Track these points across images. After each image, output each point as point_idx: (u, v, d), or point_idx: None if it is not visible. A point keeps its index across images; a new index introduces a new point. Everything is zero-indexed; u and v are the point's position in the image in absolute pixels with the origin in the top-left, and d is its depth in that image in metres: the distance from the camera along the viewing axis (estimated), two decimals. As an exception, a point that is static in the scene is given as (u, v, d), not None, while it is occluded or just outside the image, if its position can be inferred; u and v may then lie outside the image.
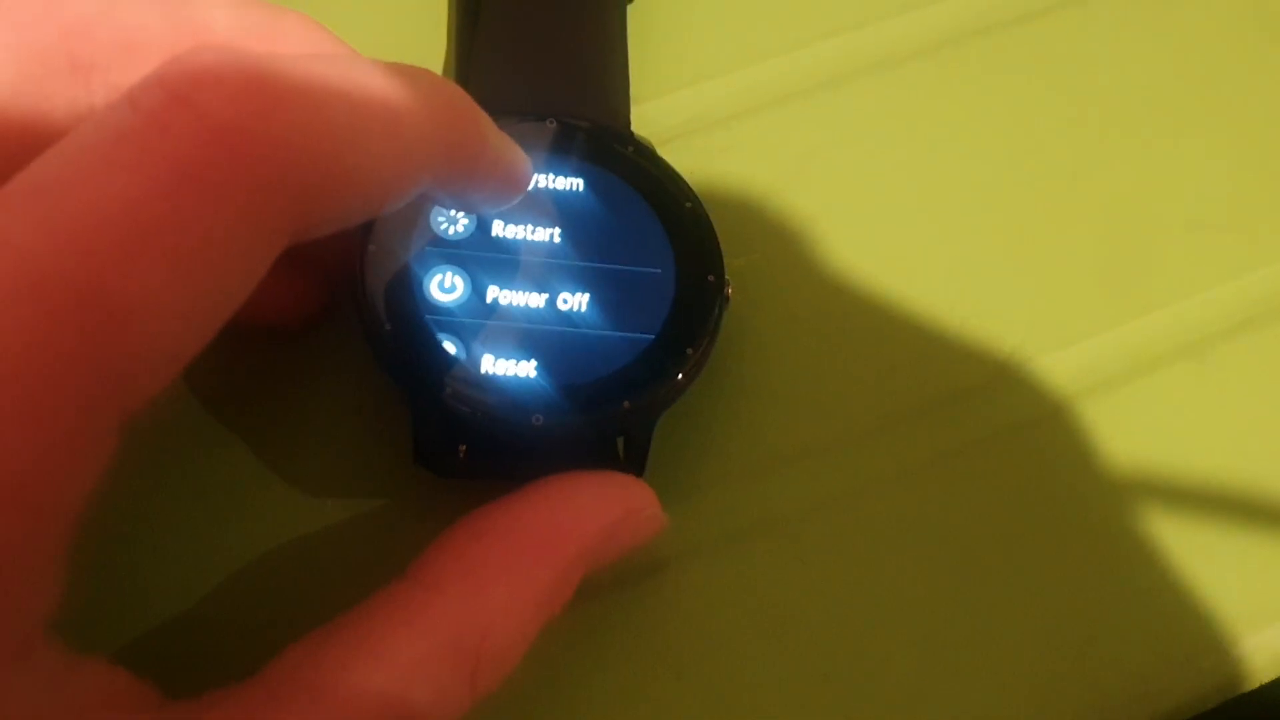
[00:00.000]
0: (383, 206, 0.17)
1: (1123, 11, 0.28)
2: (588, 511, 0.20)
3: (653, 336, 0.22)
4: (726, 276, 0.22)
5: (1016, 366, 0.25)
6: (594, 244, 0.22)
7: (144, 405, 0.15)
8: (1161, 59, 0.28)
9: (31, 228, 0.14)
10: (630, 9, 0.26)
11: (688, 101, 0.27)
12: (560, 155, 0.22)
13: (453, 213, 0.22)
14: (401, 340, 0.21)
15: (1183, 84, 0.28)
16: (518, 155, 0.20)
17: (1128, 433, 0.25)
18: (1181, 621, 0.23)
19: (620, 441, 0.22)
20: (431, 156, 0.17)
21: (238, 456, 0.23)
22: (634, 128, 0.25)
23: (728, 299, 0.22)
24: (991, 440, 0.24)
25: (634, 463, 0.22)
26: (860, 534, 0.23)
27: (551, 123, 0.23)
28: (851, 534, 0.23)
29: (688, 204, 0.23)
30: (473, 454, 0.21)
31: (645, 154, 0.23)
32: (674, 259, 0.22)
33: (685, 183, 0.23)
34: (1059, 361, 0.25)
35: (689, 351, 0.22)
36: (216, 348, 0.16)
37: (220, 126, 0.14)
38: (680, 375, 0.22)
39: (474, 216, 0.22)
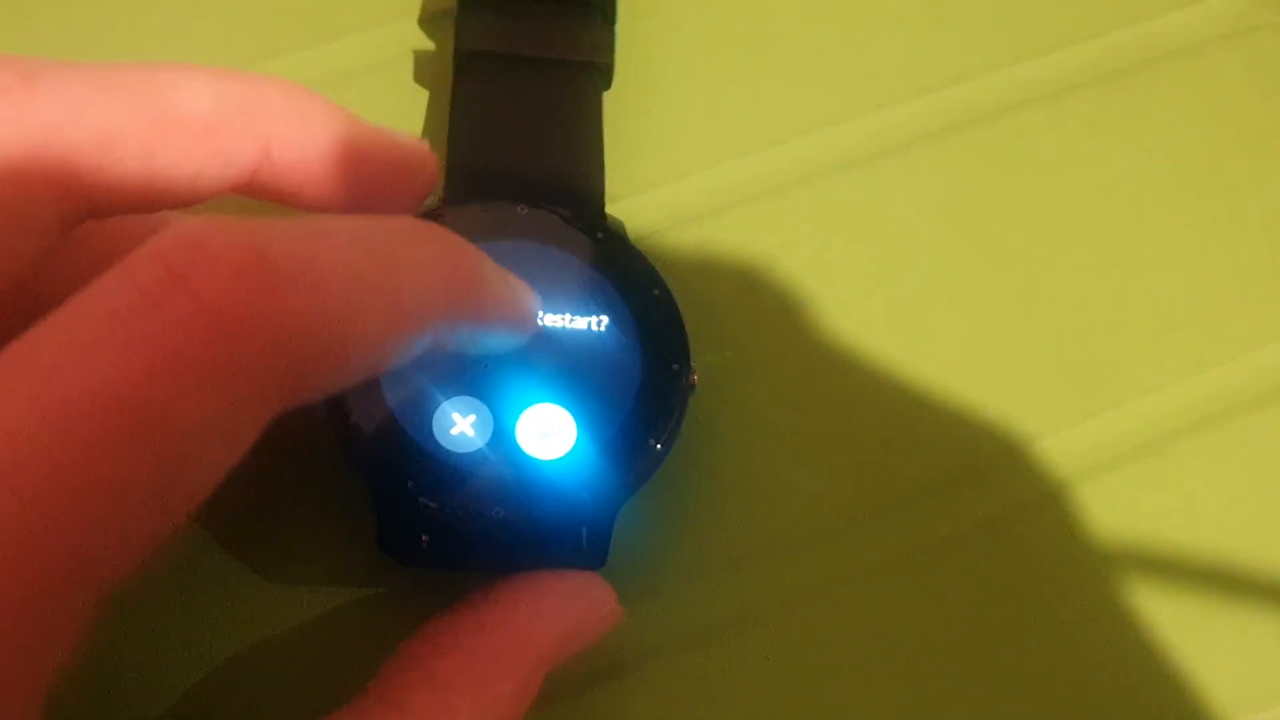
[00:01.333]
0: (382, 368, 0.17)
1: (1093, 109, 0.29)
2: (547, 616, 0.20)
3: (615, 428, 0.22)
4: (692, 364, 0.22)
5: (994, 457, 0.25)
6: (557, 332, 0.22)
7: (120, 581, 0.15)
8: (1132, 156, 0.28)
9: (19, 409, 0.14)
10: (610, 106, 0.27)
11: (665, 197, 0.27)
12: (528, 242, 0.23)
13: None
14: (365, 433, 0.21)
15: (1153, 180, 0.28)
16: (523, 297, 0.20)
17: (1109, 521, 0.25)
18: (1179, 709, 0.23)
19: (584, 531, 0.22)
20: (432, 316, 0.17)
21: (201, 548, 0.23)
22: (611, 221, 0.25)
23: (692, 386, 0.22)
24: (968, 532, 0.24)
25: (595, 552, 0.22)
26: (833, 633, 0.23)
27: (523, 209, 0.23)
28: (824, 633, 0.23)
29: (655, 291, 0.23)
30: (435, 544, 0.21)
31: (614, 240, 0.23)
32: (639, 347, 0.22)
33: (654, 270, 0.23)
34: (1039, 450, 0.25)
35: (651, 443, 0.22)
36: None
37: (216, 308, 0.14)
38: (641, 467, 0.22)
39: None
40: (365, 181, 0.21)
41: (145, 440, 0.14)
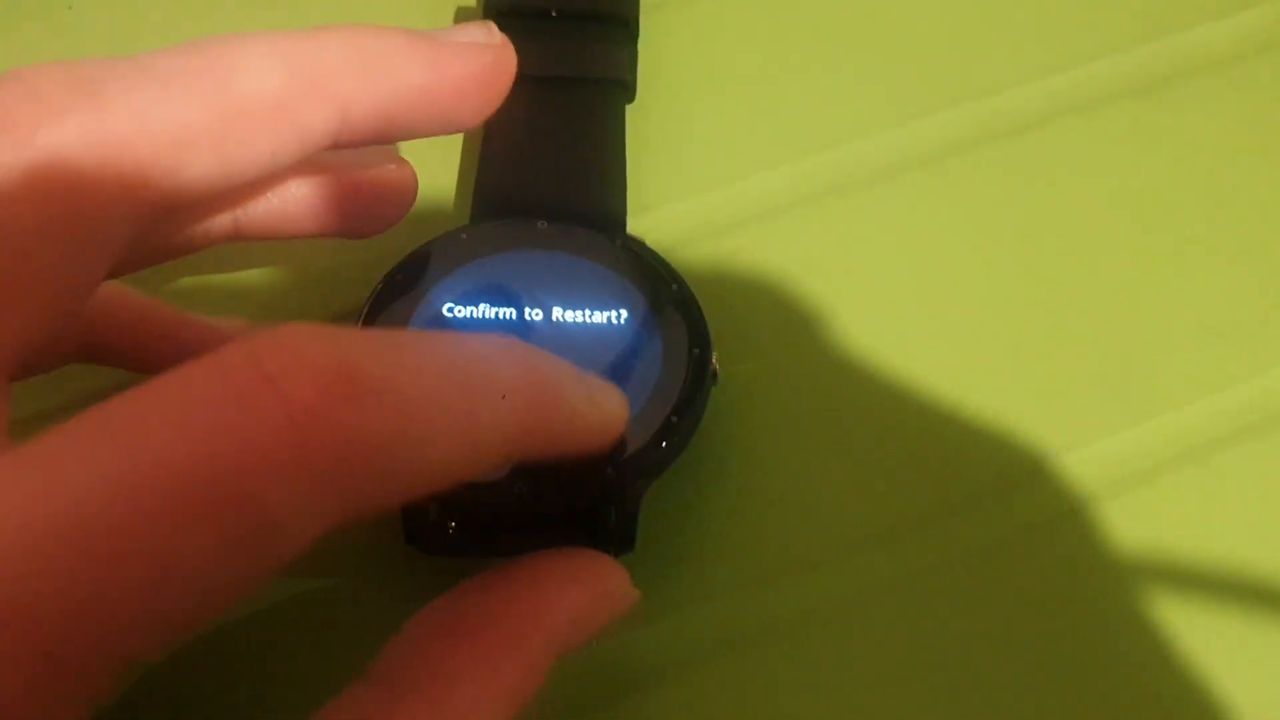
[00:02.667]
0: (451, 487, 0.17)
1: (1125, 121, 0.29)
2: (555, 598, 0.19)
3: (638, 408, 0.22)
4: (713, 354, 0.23)
5: (1023, 469, 0.25)
6: (581, 326, 0.22)
7: (147, 660, 0.15)
8: (1164, 168, 0.28)
9: (97, 478, 0.14)
10: (636, 119, 0.27)
11: (691, 210, 0.27)
12: (548, 250, 0.23)
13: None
14: None
15: (1185, 192, 0.28)
16: (610, 413, 0.20)
17: (1140, 534, 0.24)
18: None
19: (611, 513, 0.22)
20: (511, 441, 0.17)
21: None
22: (639, 233, 0.25)
23: (715, 373, 0.23)
24: (998, 545, 0.24)
25: (624, 533, 0.22)
26: (860, 646, 0.23)
27: (543, 224, 0.23)
28: (851, 646, 0.23)
29: (674, 285, 0.23)
30: (461, 530, 0.21)
31: (633, 244, 0.24)
32: (660, 337, 0.22)
33: (672, 268, 0.23)
34: (1067, 464, 0.25)
35: (673, 419, 0.22)
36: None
37: (303, 415, 0.14)
38: (664, 442, 0.22)
39: (463, 304, 0.23)
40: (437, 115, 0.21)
41: (206, 537, 0.14)
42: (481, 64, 0.21)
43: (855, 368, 0.26)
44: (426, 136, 0.21)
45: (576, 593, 0.20)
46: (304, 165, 0.21)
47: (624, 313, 0.23)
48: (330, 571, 0.23)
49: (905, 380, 0.26)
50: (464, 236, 0.23)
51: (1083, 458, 0.25)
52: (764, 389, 0.25)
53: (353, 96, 0.19)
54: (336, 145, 0.20)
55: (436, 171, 0.27)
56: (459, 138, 0.28)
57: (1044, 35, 0.30)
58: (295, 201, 0.22)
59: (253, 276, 0.26)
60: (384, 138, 0.20)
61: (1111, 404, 0.26)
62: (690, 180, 0.28)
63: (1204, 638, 0.23)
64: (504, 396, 0.17)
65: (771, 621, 0.23)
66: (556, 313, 0.23)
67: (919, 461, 0.25)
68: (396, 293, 0.23)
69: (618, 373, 0.22)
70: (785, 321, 0.26)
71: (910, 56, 0.29)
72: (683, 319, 0.23)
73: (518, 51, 0.26)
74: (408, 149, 0.27)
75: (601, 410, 0.20)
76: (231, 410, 0.14)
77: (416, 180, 0.23)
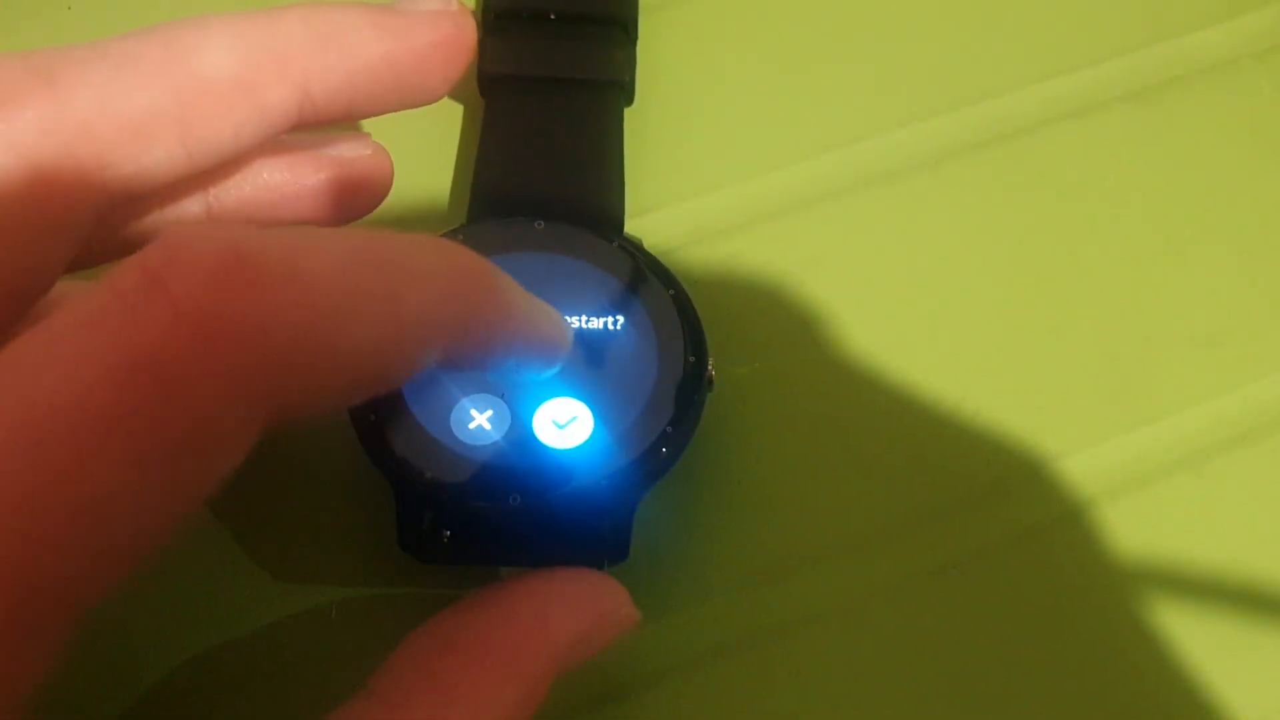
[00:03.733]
0: (385, 386, 0.17)
1: (1122, 126, 0.29)
2: (558, 619, 0.19)
3: (632, 418, 0.22)
4: (710, 360, 0.23)
5: (1020, 473, 0.25)
6: (577, 333, 0.22)
7: (102, 599, 0.14)
8: (1162, 172, 0.28)
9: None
10: (634, 121, 0.27)
11: (689, 212, 0.27)
12: (545, 252, 0.23)
13: None
14: (385, 426, 0.21)
15: (1183, 197, 0.28)
16: (550, 321, 0.19)
17: (1138, 539, 0.24)
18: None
19: (605, 523, 0.22)
20: (439, 333, 0.16)
21: (218, 541, 0.23)
22: (638, 237, 0.25)
23: (711, 380, 0.23)
24: (996, 548, 0.24)
25: (617, 544, 0.22)
26: (856, 649, 0.23)
27: (540, 224, 0.23)
28: (847, 648, 0.23)
29: (670, 291, 0.23)
30: (456, 539, 0.21)
31: (629, 248, 0.23)
32: (656, 344, 0.22)
33: (670, 273, 0.23)
34: (1065, 468, 0.25)
35: (668, 429, 0.22)
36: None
37: (193, 311, 0.14)
38: (659, 452, 0.22)
39: None
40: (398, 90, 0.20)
41: (120, 453, 0.13)
42: (442, 33, 0.20)
43: (853, 371, 0.26)
44: (393, 110, 0.21)
45: (579, 613, 0.19)
46: (277, 149, 0.21)
47: (620, 318, 0.23)
48: (326, 580, 0.23)
49: (903, 383, 0.26)
50: (460, 237, 0.23)
51: (1080, 462, 0.25)
52: (761, 392, 0.25)
53: (313, 72, 0.19)
54: (301, 123, 0.19)
55: (433, 169, 0.27)
56: (455, 135, 0.28)
57: (1041, 40, 0.30)
58: (268, 188, 0.21)
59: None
60: (349, 114, 0.20)
61: (1108, 409, 0.26)
62: (688, 183, 0.28)
63: (1201, 642, 0.23)
64: (429, 279, 0.16)
65: (768, 624, 0.23)
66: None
67: (916, 464, 0.25)
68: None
69: (612, 379, 0.22)
70: (783, 324, 0.26)
71: (908, 61, 0.29)
72: (679, 325, 0.23)
73: (516, 53, 0.26)
74: (404, 145, 0.27)
75: (543, 311, 0.19)
76: (118, 320, 0.14)
77: (392, 168, 0.22)
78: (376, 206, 0.23)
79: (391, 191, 0.25)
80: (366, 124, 0.27)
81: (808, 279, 0.27)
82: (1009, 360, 0.26)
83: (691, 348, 0.23)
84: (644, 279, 0.23)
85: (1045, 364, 0.26)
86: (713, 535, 0.24)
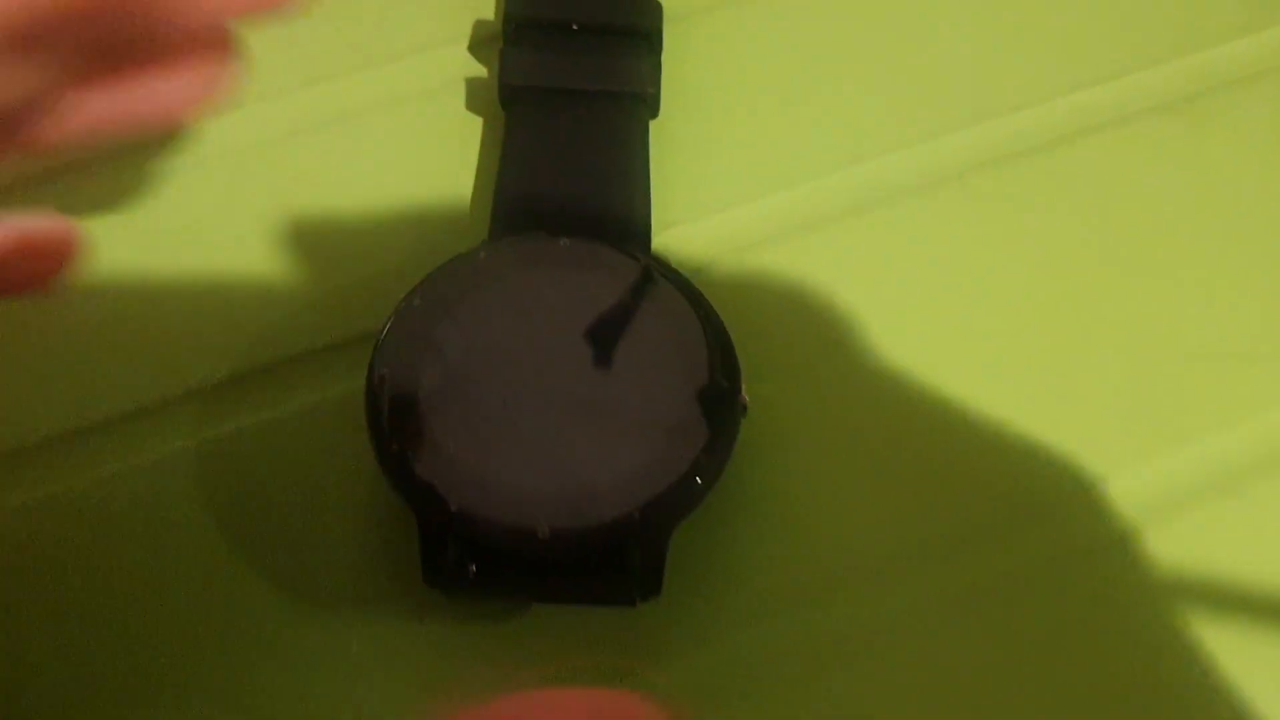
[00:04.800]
0: None
1: (1153, 138, 0.28)
2: None
3: (666, 444, 0.21)
4: (743, 385, 0.22)
5: (1056, 495, 0.24)
6: (605, 357, 0.22)
7: None
8: (1194, 185, 0.28)
9: None
10: (660, 134, 0.26)
11: (716, 226, 0.27)
12: (570, 270, 0.22)
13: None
14: (409, 458, 0.21)
15: (1217, 210, 0.27)
16: None
17: (1179, 562, 0.23)
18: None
19: (637, 556, 0.21)
20: None
21: (238, 572, 0.22)
22: (663, 251, 0.25)
23: (745, 406, 0.22)
24: (1032, 573, 0.23)
25: (649, 578, 0.21)
26: (900, 672, 0.22)
27: (565, 242, 0.23)
28: (890, 672, 0.22)
29: (700, 312, 0.22)
30: (482, 572, 0.21)
31: (659, 268, 0.23)
32: (687, 368, 0.22)
33: (699, 293, 0.23)
34: (1106, 490, 0.24)
35: (701, 457, 0.21)
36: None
37: None
38: (695, 480, 0.21)
39: (484, 329, 0.22)
40: None
41: None
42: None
43: (885, 387, 0.25)
44: None
45: None
46: None
47: (649, 341, 0.22)
48: (349, 612, 0.22)
49: (936, 401, 0.25)
50: (482, 254, 0.23)
51: (1121, 482, 0.24)
52: (792, 410, 0.25)
53: None
54: None
55: (454, 183, 0.26)
56: (475, 148, 0.27)
57: (1069, 52, 0.29)
58: None
59: (257, 298, 0.25)
60: None
61: (1149, 427, 0.25)
62: (713, 196, 0.27)
63: (1247, 665, 0.23)
64: None
65: (804, 651, 0.22)
66: (579, 344, 0.22)
67: (951, 485, 0.24)
68: (415, 321, 0.22)
69: (641, 405, 0.21)
70: (812, 340, 0.25)
71: (936, 73, 0.29)
72: (710, 348, 0.22)
73: (538, 64, 0.26)
74: (424, 159, 0.26)
75: None
76: None
77: (77, 240, 0.21)
78: (55, 277, 0.21)
79: (413, 205, 0.24)
80: (388, 131, 0.27)
81: (838, 293, 0.26)
82: (1043, 377, 0.25)
83: (724, 371, 0.22)
84: (673, 300, 0.22)
85: (1079, 381, 0.25)
86: (747, 563, 0.23)
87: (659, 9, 0.27)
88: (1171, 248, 0.27)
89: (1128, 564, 0.23)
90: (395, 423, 0.21)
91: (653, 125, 0.26)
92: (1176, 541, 0.24)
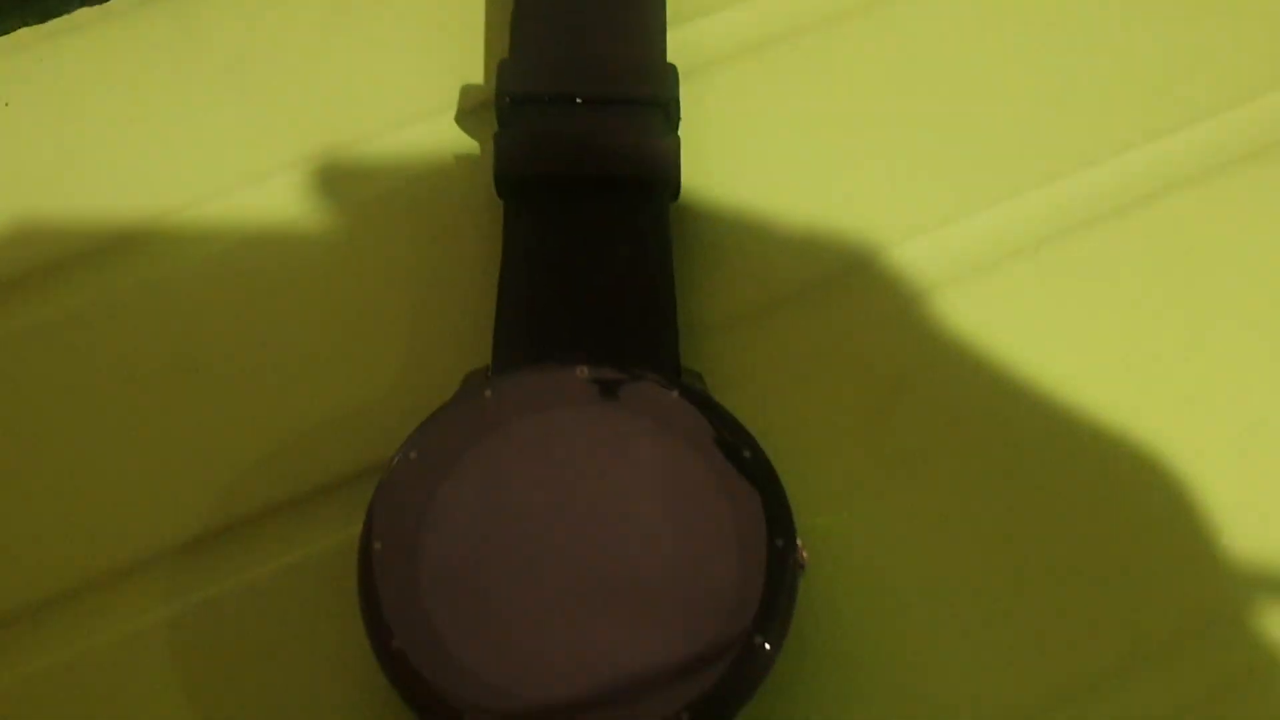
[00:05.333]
0: None
1: (1246, 188, 0.25)
2: None
3: (714, 626, 0.18)
4: (799, 540, 0.19)
5: (1177, 636, 0.21)
6: (635, 516, 0.19)
7: None
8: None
9: None
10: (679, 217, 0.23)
11: (755, 330, 0.23)
12: (591, 409, 0.19)
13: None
14: (413, 657, 0.18)
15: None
16: None
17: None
18: None
19: None
20: None
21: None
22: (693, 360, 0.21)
23: (802, 565, 0.19)
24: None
25: None
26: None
27: (582, 370, 0.19)
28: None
29: (746, 453, 0.19)
30: None
31: (695, 396, 0.19)
32: (733, 525, 0.19)
33: (742, 427, 0.20)
34: (1236, 624, 0.21)
35: (759, 641, 0.18)
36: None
37: None
38: (749, 669, 0.18)
39: (494, 488, 0.19)
40: None
41: None
42: None
43: (973, 506, 0.22)
44: None
45: None
46: None
47: (686, 495, 0.19)
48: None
49: (1034, 519, 0.22)
50: (488, 393, 0.19)
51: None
52: (857, 543, 0.21)
53: None
54: None
55: (447, 283, 0.23)
56: (471, 238, 0.23)
57: (1139, 98, 0.25)
58: None
59: (226, 441, 0.22)
60: None
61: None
62: (746, 294, 0.23)
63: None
64: None
65: None
66: (606, 501, 0.19)
67: (1055, 631, 0.21)
68: (412, 479, 0.19)
69: (683, 577, 0.18)
70: (880, 452, 0.22)
71: (998, 131, 0.25)
72: (758, 498, 0.19)
73: (537, 147, 0.22)
74: (410, 247, 0.23)
75: None
76: None
77: None
78: None
79: (398, 319, 0.21)
80: (363, 229, 0.23)
81: (900, 393, 0.22)
82: (1151, 481, 0.22)
83: (776, 527, 0.19)
84: (714, 437, 0.19)
85: (1193, 481, 0.22)
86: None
87: (675, 73, 0.23)
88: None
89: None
90: (395, 612, 0.18)
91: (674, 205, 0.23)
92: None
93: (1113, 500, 0.22)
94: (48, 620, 0.20)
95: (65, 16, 0.25)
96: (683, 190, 0.23)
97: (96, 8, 0.25)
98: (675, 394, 0.19)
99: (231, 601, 0.21)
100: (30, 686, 0.20)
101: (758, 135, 0.25)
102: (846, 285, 0.23)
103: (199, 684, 0.20)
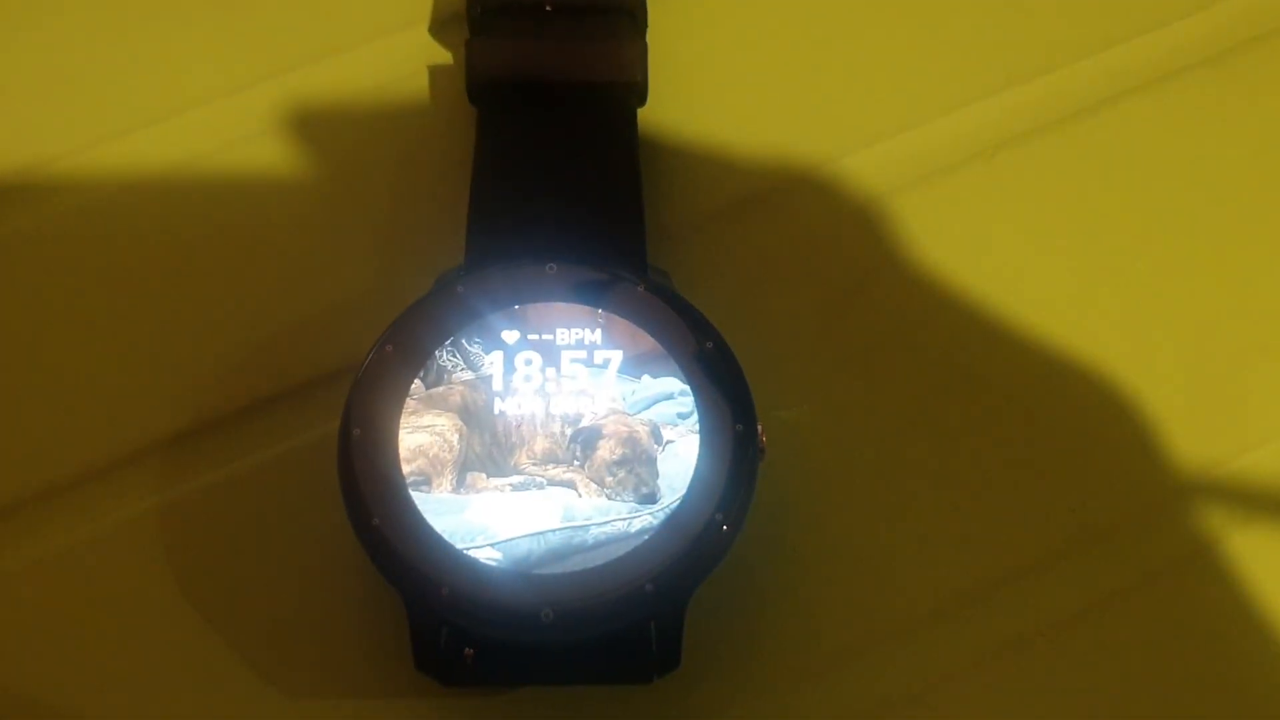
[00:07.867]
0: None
1: (1197, 95, 0.25)
2: None
3: (675, 504, 0.19)
4: (759, 425, 0.20)
5: (1120, 517, 0.22)
6: (601, 399, 0.20)
7: None
8: (1245, 145, 0.25)
9: None
10: (647, 123, 0.24)
11: (715, 234, 0.24)
12: (560, 306, 0.20)
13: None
14: (392, 535, 0.19)
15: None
16: None
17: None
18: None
19: (652, 629, 0.19)
20: None
21: (225, 659, 0.20)
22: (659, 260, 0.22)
23: (762, 450, 0.20)
24: (1100, 605, 0.22)
25: (666, 654, 0.19)
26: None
27: (551, 267, 0.20)
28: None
29: (708, 344, 0.20)
30: (481, 657, 0.19)
31: (658, 291, 0.20)
32: (697, 411, 0.20)
33: (706, 321, 0.20)
34: (1180, 506, 0.22)
35: (718, 518, 0.19)
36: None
37: None
38: (710, 547, 0.19)
39: (473, 387, 0.20)
40: None
41: None
42: None
43: (925, 402, 0.23)
44: None
45: None
46: None
47: (653, 382, 0.20)
48: (333, 695, 0.20)
49: (984, 413, 0.23)
50: (460, 288, 0.20)
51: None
52: (815, 436, 0.22)
53: None
54: None
55: (421, 187, 0.24)
56: (444, 138, 0.24)
57: (1096, 6, 0.26)
58: None
59: (212, 340, 0.23)
60: None
61: (1229, 427, 0.23)
62: (710, 197, 0.24)
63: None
64: None
65: (838, 716, 0.21)
66: (572, 401, 0.20)
67: (1006, 514, 0.22)
68: (389, 370, 0.20)
69: (648, 459, 0.19)
70: (838, 351, 0.23)
71: (955, 39, 0.25)
72: (721, 386, 0.20)
73: (508, 55, 0.23)
74: (387, 153, 0.24)
75: None
76: None
77: None
78: None
79: (376, 221, 0.22)
80: (341, 135, 0.24)
81: (863, 295, 0.23)
82: (1096, 376, 0.23)
83: (738, 412, 0.20)
84: (678, 330, 0.20)
85: (1134, 378, 0.23)
86: (774, 623, 0.21)
87: (642, -21, 0.24)
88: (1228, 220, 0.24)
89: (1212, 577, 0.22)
90: (373, 493, 0.19)
91: (640, 112, 0.23)
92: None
93: (1060, 397, 0.23)
94: (49, 509, 0.21)
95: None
96: (649, 101, 0.24)
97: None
98: (641, 288, 0.20)
99: (220, 491, 0.22)
100: (37, 570, 0.21)
101: (721, 48, 0.25)
102: (806, 191, 0.24)
103: (191, 568, 0.21)
